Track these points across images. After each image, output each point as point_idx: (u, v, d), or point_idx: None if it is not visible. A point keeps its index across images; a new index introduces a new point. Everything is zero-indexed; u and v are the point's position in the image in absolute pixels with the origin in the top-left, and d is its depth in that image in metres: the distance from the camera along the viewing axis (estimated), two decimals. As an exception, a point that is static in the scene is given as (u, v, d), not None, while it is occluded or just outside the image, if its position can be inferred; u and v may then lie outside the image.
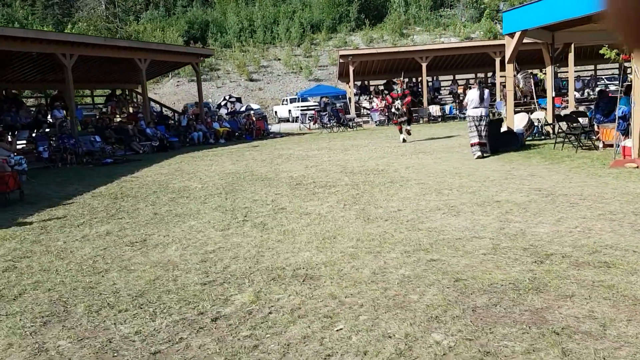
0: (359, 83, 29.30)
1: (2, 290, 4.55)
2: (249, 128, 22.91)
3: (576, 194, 6.84)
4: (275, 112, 34.71)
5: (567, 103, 26.38)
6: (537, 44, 26.19)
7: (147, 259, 5.26)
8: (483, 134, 11.33)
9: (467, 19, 56.85)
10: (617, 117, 9.80)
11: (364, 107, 28.51)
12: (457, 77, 30.04)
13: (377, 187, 8.38)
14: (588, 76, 28.39)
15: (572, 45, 24.67)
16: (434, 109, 25.90)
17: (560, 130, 11.32)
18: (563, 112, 13.50)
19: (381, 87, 29.68)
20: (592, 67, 28.64)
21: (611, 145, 10.61)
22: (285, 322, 3.49)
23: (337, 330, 3.33)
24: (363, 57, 26.29)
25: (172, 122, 23.15)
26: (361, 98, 30.10)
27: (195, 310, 3.81)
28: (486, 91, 12.02)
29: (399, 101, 16.11)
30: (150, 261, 5.18)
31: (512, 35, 11.81)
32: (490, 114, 13.78)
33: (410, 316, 3.46)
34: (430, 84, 28.93)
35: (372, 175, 9.72)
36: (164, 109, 24.32)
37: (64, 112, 19.15)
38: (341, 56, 26.09)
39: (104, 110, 21.99)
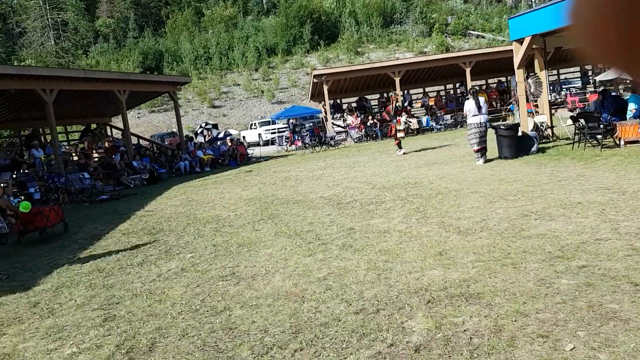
0: (331, 102, 29.26)
1: (127, 341, 4.09)
2: (233, 154, 22.43)
3: (629, 190, 6.85)
4: (244, 137, 34.22)
5: (538, 108, 27.19)
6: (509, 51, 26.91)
7: (258, 292, 4.87)
8: (483, 138, 11.84)
9: (418, 34, 58.09)
10: (641, 113, 9.99)
11: (338, 126, 28.44)
12: (427, 89, 30.45)
13: (432, 200, 8.19)
14: (553, 80, 29.30)
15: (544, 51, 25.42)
16: (412, 122, 26.08)
17: (578, 131, 11.44)
18: (561, 114, 13.74)
19: (354, 105, 29.77)
20: (555, 71, 29.59)
21: (634, 142, 10.82)
22: (504, 346, 3.21)
23: (571, 350, 3.08)
24: (337, 76, 26.30)
25: (153, 152, 22.43)
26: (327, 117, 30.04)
27: (383, 342, 3.49)
28: (481, 99, 12.42)
29: (404, 116, 17.20)
30: (265, 294, 4.80)
31: (520, 41, 11.97)
32: (509, 118, 14.09)
33: (634, 326, 3.25)
34: (402, 97, 29.17)
35: (411, 188, 9.54)
36: (141, 140, 23.56)
37: (42, 150, 18.26)
38: (315, 76, 26.02)
39: (80, 146, 21.09)
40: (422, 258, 5.25)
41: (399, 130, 16.35)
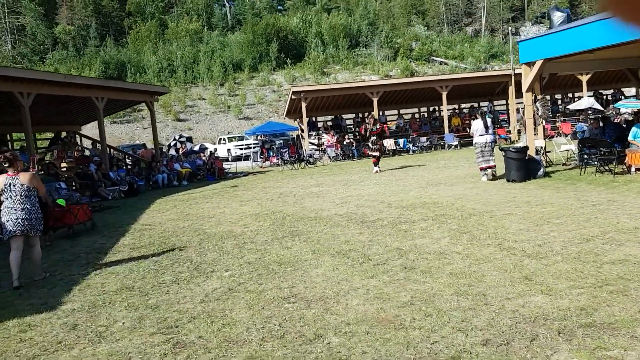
0: (306, 119, 28.91)
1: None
2: (211, 168, 21.70)
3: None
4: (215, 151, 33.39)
5: (510, 134, 27.64)
6: (492, 76, 27.36)
7: (342, 317, 4.40)
8: (490, 156, 12.36)
9: (383, 57, 58.78)
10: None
11: (312, 144, 28.12)
12: (402, 111, 30.56)
13: (468, 221, 7.88)
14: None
15: (513, 78, 25.95)
16: (388, 143, 26.02)
17: (588, 156, 11.45)
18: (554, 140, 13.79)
19: (329, 123, 29.55)
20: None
21: (643, 169, 10.88)
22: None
23: None
24: (316, 94, 26.03)
25: (126, 164, 21.46)
26: (304, 134, 29.70)
27: (548, 378, 3.08)
28: (489, 120, 12.99)
29: (374, 137, 17.70)
30: (352, 319, 4.33)
31: (530, 64, 11.96)
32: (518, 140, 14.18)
33: None
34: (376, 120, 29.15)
35: (434, 208, 9.23)
36: (112, 151, 22.52)
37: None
38: (294, 92, 25.68)
39: (49, 154, 19.94)
40: (509, 283, 4.89)
41: (372, 150, 17.62)
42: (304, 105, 25.58)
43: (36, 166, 9.07)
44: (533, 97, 12.15)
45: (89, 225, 10.48)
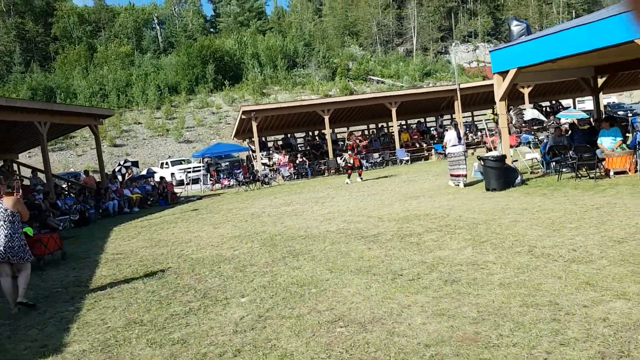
0: (255, 139, 28.31)
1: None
2: (163, 193, 20.67)
3: None
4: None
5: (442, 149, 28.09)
6: (439, 92, 27.78)
7: (416, 339, 3.93)
8: (463, 165, 13.13)
9: (322, 77, 59.06)
10: (637, 143, 10.23)
11: (264, 164, 27.52)
12: (351, 128, 30.50)
13: (477, 229, 7.61)
14: (468, 122, 30.60)
15: (458, 93, 26.42)
16: (342, 160, 25.81)
17: (569, 162, 11.55)
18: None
19: (280, 143, 29.08)
20: (469, 113, 30.96)
21: (621, 172, 11.06)
22: None
23: None
24: (267, 113, 25.53)
25: (69, 192, 20.09)
26: (253, 154, 29.08)
27: None
28: (461, 131, 13.83)
29: (349, 153, 19.37)
30: (429, 341, 3.86)
31: (502, 73, 12.01)
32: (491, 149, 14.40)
33: None
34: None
35: (431, 220, 8.93)
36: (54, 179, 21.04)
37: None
38: (244, 112, 25.06)
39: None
40: (574, 289, 4.59)
41: (347, 163, 19.11)
42: (254, 124, 24.98)
43: (20, 191, 8.08)
44: (507, 107, 12.19)
45: (57, 255, 9.54)
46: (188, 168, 31.17)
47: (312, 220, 10.86)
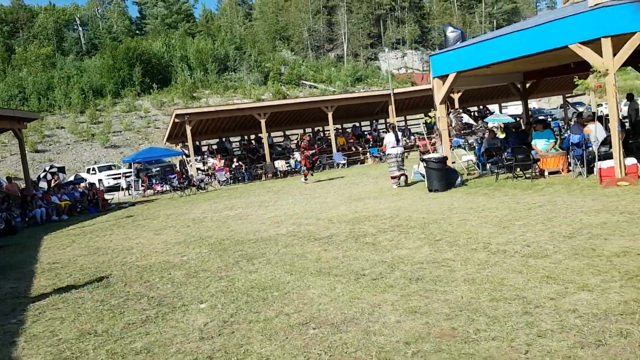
0: (189, 143, 27.70)
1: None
2: (93, 199, 19.79)
3: (635, 211, 7.16)
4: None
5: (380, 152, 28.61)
6: (374, 96, 28.14)
7: (394, 337, 3.90)
8: (402, 166, 13.79)
9: (254, 81, 58.68)
10: (570, 144, 10.75)
11: (199, 169, 26.98)
12: (288, 132, 30.46)
13: (429, 228, 7.73)
14: (402, 126, 31.25)
15: (392, 98, 26.95)
16: (280, 164, 25.72)
17: (506, 162, 11.96)
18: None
19: (214, 147, 28.59)
20: (402, 117, 31.64)
21: (555, 172, 11.58)
22: None
23: None
24: (201, 116, 25.04)
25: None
26: (187, 159, 28.45)
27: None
28: (399, 133, 14.34)
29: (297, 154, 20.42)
30: (409, 337, 3.85)
31: (442, 77, 12.31)
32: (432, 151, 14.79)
33: None
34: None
35: (381, 220, 9.00)
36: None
37: None
38: (177, 115, 24.45)
39: None
40: (537, 283, 4.71)
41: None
42: (188, 128, 24.43)
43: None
44: (447, 110, 12.51)
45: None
46: (117, 174, 30.05)
47: (259, 223, 10.69)
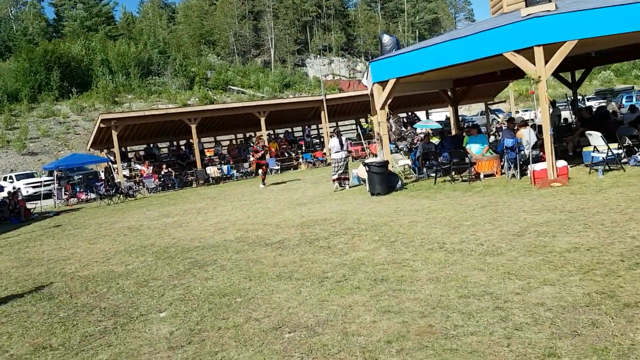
0: (115, 149, 26.70)
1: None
2: (15, 209, 18.65)
3: (579, 209, 7.58)
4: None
5: (326, 156, 28.84)
6: (307, 102, 28.22)
7: (374, 337, 3.92)
8: (344, 170, 14.31)
9: (179, 86, 57.46)
10: (505, 148, 11.23)
11: (125, 176, 26.07)
12: (220, 138, 30.00)
13: (381, 231, 7.83)
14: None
15: (324, 103, 27.22)
16: (212, 170, 25.29)
17: (443, 166, 12.32)
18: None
19: (142, 153, 27.72)
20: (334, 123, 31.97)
21: (490, 175, 12.06)
22: None
23: None
24: (128, 121, 24.19)
25: None
26: (113, 166, 27.42)
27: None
28: (343, 139, 14.63)
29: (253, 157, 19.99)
30: (390, 336, 3.87)
31: (382, 83, 12.53)
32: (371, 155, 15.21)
33: None
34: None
35: (330, 224, 9.03)
36: None
37: None
38: (103, 120, 23.49)
39: None
40: (500, 280, 4.87)
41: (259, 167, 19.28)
42: (114, 134, 23.53)
43: None
44: (388, 115, 12.74)
45: None
46: (38, 182, 28.46)
47: (201, 230, 10.44)
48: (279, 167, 26.37)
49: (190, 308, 5.31)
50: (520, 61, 10.13)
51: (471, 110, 55.87)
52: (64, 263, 8.83)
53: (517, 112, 36.00)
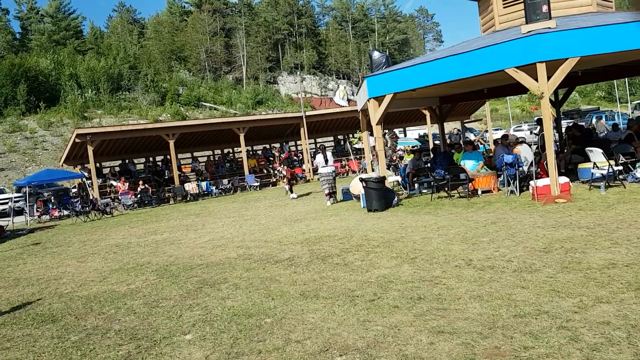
0: (87, 165, 25.97)
1: None
2: (-14, 226, 17.81)
3: (596, 225, 7.52)
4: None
5: (307, 173, 28.60)
6: (286, 118, 28.03)
7: (439, 358, 3.66)
8: (332, 185, 14.64)
9: (150, 102, 56.60)
10: (504, 164, 11.19)
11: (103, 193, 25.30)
12: (197, 154, 29.47)
13: (396, 247, 7.60)
14: (312, 148, 31.38)
15: (304, 120, 27.08)
16: (190, 187, 24.76)
17: (440, 182, 12.21)
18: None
19: (117, 169, 27.02)
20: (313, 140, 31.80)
21: (487, 191, 12.00)
22: None
23: None
24: (105, 136, 23.55)
25: None
26: (88, 182, 26.63)
27: None
28: (328, 154, 15.32)
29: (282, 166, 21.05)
30: (455, 358, 3.62)
31: (378, 98, 12.41)
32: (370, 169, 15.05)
33: None
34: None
35: (338, 241, 8.77)
36: None
37: None
38: (78, 135, 22.82)
39: None
40: (549, 297, 4.69)
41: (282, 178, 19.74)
42: (90, 149, 22.86)
43: None
44: (383, 130, 12.60)
45: None
46: (7, 198, 27.38)
47: (197, 248, 10.05)
48: (258, 183, 25.98)
49: (218, 329, 4.97)
50: (523, 77, 10.14)
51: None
52: (57, 283, 8.33)
53: (486, 131, 36.45)
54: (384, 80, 12.31)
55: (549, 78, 9.98)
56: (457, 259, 6.49)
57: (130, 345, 4.83)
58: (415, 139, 33.12)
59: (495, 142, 15.54)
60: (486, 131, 35.08)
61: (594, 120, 32.78)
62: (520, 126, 40.51)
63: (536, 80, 10.03)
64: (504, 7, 13.14)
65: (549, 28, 9.92)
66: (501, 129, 44.51)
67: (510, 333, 3.98)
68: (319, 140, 32.14)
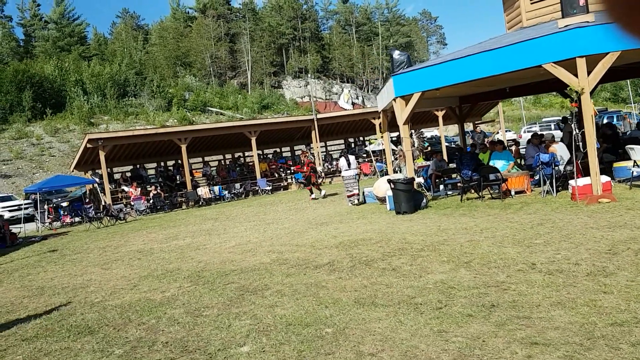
0: (99, 171, 25.67)
1: None
2: (0, 233, 17.47)
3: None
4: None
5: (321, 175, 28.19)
6: (298, 122, 27.71)
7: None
8: (356, 186, 14.79)
9: (156, 107, 56.36)
10: (540, 163, 10.81)
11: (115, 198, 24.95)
12: (207, 158, 29.14)
13: (441, 251, 7.22)
14: (324, 151, 31.05)
15: (315, 123, 26.71)
16: (203, 191, 24.43)
17: (472, 183, 11.83)
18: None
19: (128, 174, 26.69)
20: (323, 143, 31.44)
21: (520, 192, 11.62)
22: None
23: None
24: (117, 141, 23.22)
25: None
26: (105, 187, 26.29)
27: None
28: (351, 157, 15.39)
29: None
30: None
31: (405, 97, 12.04)
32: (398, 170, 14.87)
33: None
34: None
35: (379, 244, 8.40)
36: None
37: None
38: (90, 140, 22.49)
39: None
40: (626, 305, 4.30)
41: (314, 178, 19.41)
42: (102, 154, 22.54)
43: None
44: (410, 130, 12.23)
45: None
46: (17, 205, 27.08)
47: (226, 253, 9.68)
48: (270, 187, 25.63)
49: (276, 341, 4.60)
50: (562, 73, 9.77)
51: (448, 131, 56.18)
52: (84, 291, 7.96)
53: (494, 133, 36.06)
54: (412, 78, 11.94)
55: (588, 73, 9.60)
56: (517, 262, 6.11)
57: (185, 358, 4.46)
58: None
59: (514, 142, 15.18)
60: (497, 133, 34.72)
61: (614, 120, 32.36)
62: (531, 127, 40.08)
63: (575, 75, 9.65)
64: (532, 4, 12.78)
65: (587, 22, 9.55)
66: (510, 131, 44.16)
67: (614, 344, 3.60)
68: (329, 143, 31.80)
